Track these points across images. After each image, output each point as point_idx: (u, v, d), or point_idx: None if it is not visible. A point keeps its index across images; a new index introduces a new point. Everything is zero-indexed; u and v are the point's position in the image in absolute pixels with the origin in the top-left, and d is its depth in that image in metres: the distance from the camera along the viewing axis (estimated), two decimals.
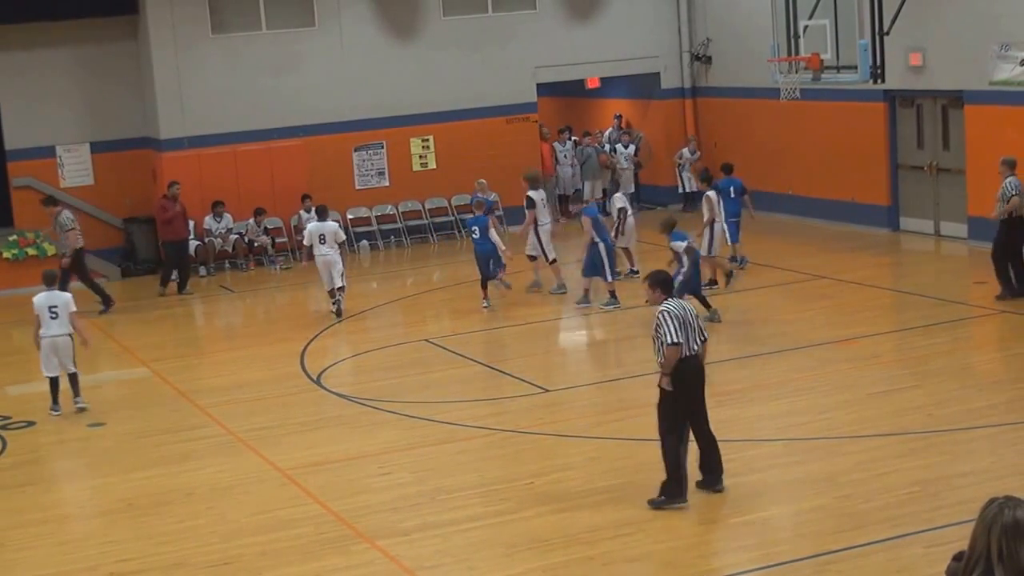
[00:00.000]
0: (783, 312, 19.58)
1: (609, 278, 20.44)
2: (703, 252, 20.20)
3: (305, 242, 21.64)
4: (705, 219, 20.77)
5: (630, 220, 22.37)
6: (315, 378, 17.53)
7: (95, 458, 14.99)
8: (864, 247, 23.86)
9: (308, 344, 19.41)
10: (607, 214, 29.90)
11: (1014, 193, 18.90)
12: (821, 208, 26.40)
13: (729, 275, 21.08)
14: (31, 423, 16.39)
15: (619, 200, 22.62)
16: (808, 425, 14.06)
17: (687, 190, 29.22)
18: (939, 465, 12.50)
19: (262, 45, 26.89)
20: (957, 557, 5.89)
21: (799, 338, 17.77)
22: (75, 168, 26.86)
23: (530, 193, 21.89)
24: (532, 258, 21.92)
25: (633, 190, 30.30)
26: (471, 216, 22.02)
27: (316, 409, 16.15)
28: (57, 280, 17.40)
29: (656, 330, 11.70)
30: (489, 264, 20.88)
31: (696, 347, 11.79)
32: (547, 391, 16.20)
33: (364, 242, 27.61)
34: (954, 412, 14.08)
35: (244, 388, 17.36)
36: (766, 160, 27.83)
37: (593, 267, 20.46)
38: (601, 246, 20.40)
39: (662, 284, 12.05)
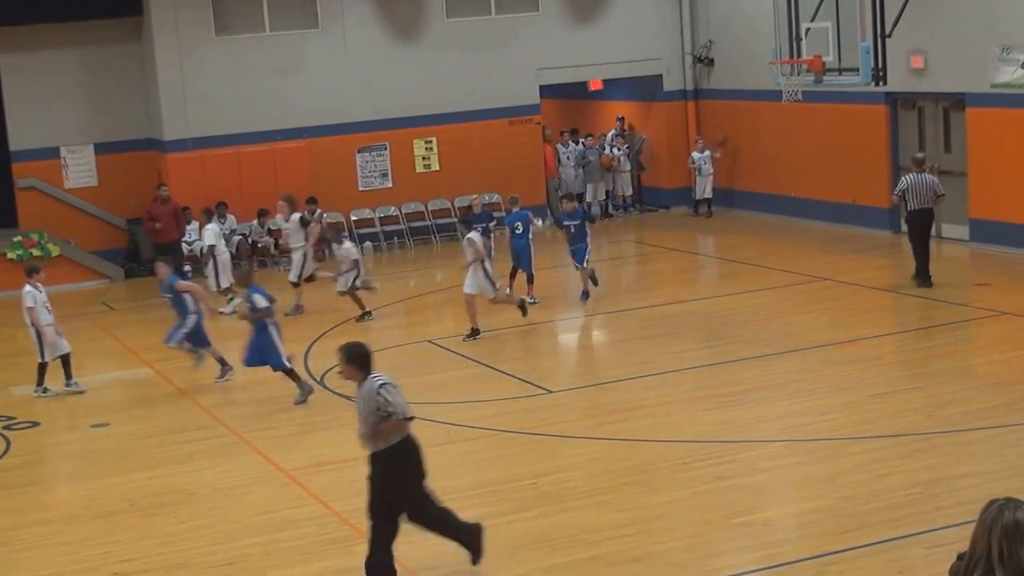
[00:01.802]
0: (785, 314, 19.61)
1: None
2: (470, 291, 19.11)
3: (212, 242, 22.36)
4: (468, 260, 19.25)
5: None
6: (318, 379, 17.57)
7: (98, 458, 15.04)
8: (865, 249, 23.91)
9: (311, 345, 19.47)
10: (608, 215, 30.07)
11: (896, 192, 20.64)
12: (823, 210, 26.44)
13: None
14: (35, 423, 16.44)
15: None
16: (810, 426, 14.09)
17: (697, 197, 29.22)
18: (940, 466, 12.53)
19: (266, 47, 26.96)
20: (962, 556, 5.93)
21: (801, 340, 17.80)
22: (79, 169, 26.95)
23: (296, 216, 22.24)
24: (296, 284, 22.11)
25: (631, 192, 30.40)
26: (509, 214, 21.80)
27: (319, 410, 16.19)
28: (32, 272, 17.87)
29: (378, 409, 10.07)
30: (530, 259, 21.04)
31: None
32: (549, 392, 16.24)
33: (367, 243, 27.66)
34: (955, 413, 14.12)
35: (247, 389, 17.41)
36: (768, 162, 27.89)
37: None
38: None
39: (359, 360, 10.20)
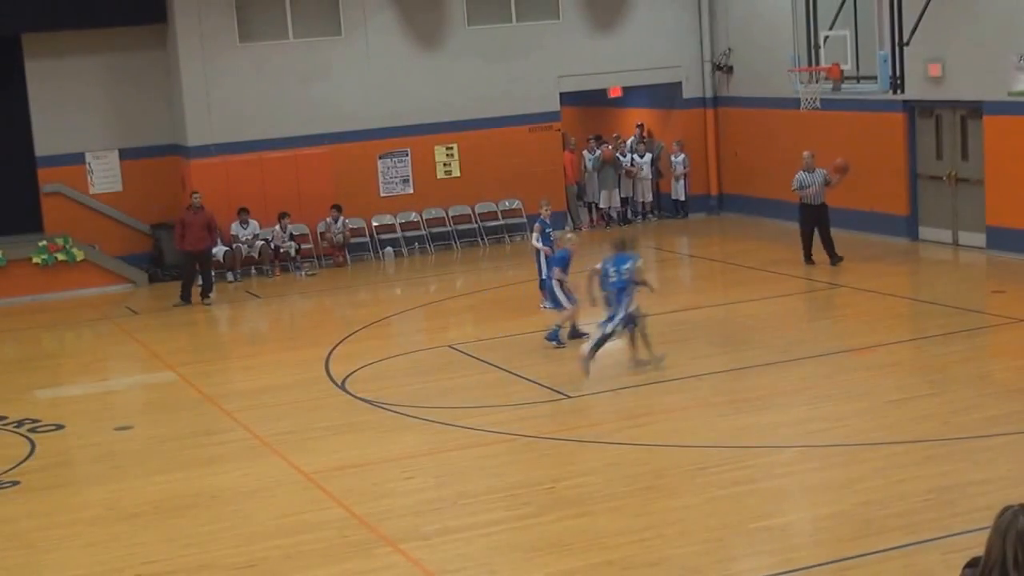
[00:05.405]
0: (802, 320, 19.70)
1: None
2: None
3: None
4: None
5: None
6: (340, 383, 17.68)
7: (122, 461, 15.12)
8: (883, 256, 23.94)
9: (333, 349, 19.58)
10: (628, 221, 30.17)
11: (794, 189, 23.24)
12: (840, 217, 26.38)
13: None
14: (60, 426, 16.60)
15: None
16: (826, 432, 14.16)
17: (674, 198, 30.39)
18: (956, 472, 12.57)
19: (289, 54, 27.14)
20: (971, 563, 5.96)
21: (817, 346, 17.86)
22: (104, 175, 27.15)
23: None
24: None
25: (651, 198, 30.50)
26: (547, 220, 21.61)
27: (340, 414, 16.28)
28: None
29: None
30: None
31: None
32: (568, 397, 16.35)
33: (388, 249, 27.84)
34: (971, 420, 14.16)
35: (269, 392, 17.51)
36: (786, 169, 27.81)
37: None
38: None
39: None
